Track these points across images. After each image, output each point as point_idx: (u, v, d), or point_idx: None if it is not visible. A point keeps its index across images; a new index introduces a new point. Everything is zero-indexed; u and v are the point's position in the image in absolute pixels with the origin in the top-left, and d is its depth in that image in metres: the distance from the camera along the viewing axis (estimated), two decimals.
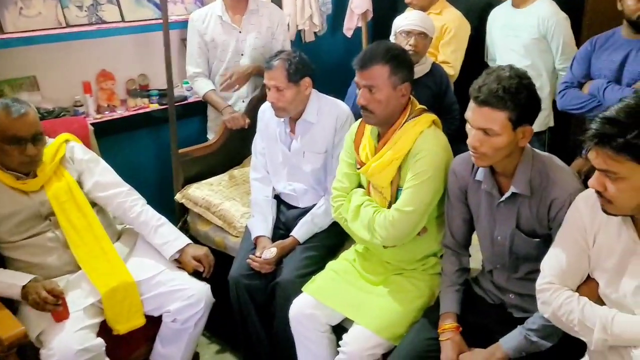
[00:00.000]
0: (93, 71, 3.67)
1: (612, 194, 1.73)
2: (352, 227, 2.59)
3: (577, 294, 1.97)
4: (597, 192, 1.77)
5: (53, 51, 3.43)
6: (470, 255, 2.51)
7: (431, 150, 2.41)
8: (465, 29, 3.82)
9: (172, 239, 2.79)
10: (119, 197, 2.77)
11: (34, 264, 2.57)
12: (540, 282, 2.05)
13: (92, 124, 3.22)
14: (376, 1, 4.46)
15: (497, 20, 3.71)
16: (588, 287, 1.99)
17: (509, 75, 2.05)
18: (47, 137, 2.63)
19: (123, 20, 3.63)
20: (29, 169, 2.57)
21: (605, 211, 1.80)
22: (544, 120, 3.61)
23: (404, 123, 2.45)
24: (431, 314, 2.43)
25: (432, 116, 2.52)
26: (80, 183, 2.71)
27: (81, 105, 3.55)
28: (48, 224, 2.62)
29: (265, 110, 3.13)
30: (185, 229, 3.50)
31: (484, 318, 2.36)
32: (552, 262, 2.04)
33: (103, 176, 2.76)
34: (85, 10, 3.48)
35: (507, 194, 2.21)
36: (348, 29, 4.55)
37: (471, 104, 2.10)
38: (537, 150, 2.25)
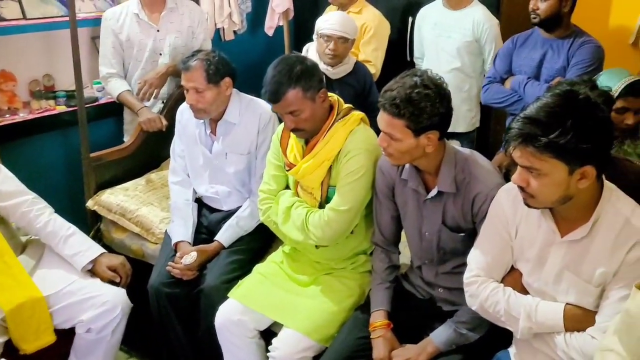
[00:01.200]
0: None
1: (535, 189, 1.91)
2: (283, 230, 2.70)
3: (502, 285, 2.17)
4: (520, 187, 1.95)
5: None
6: (399, 252, 2.69)
7: (362, 148, 2.55)
8: (385, 27, 4.04)
9: (84, 249, 2.77)
10: (23, 206, 2.72)
11: None
12: (467, 276, 2.24)
13: None
14: (299, 2, 4.62)
15: (428, 19, 3.93)
16: (512, 277, 2.20)
17: (415, 83, 2.20)
18: None
19: (25, 18, 3.60)
20: None
21: (527, 205, 1.99)
22: (471, 120, 3.90)
23: (332, 124, 2.58)
24: (362, 312, 2.59)
25: (360, 114, 2.66)
26: None
27: None
28: None
29: (184, 111, 3.18)
30: (98, 237, 3.49)
31: (414, 314, 2.55)
32: (478, 255, 2.23)
33: (4, 185, 2.72)
34: None
35: (433, 192, 2.39)
36: (269, 27, 4.68)
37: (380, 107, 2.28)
38: (459, 148, 2.45)
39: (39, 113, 3.72)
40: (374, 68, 3.92)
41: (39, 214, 2.74)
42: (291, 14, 4.70)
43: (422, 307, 2.57)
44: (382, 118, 2.27)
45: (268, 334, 2.72)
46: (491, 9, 3.80)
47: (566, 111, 1.83)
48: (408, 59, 4.16)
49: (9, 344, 2.50)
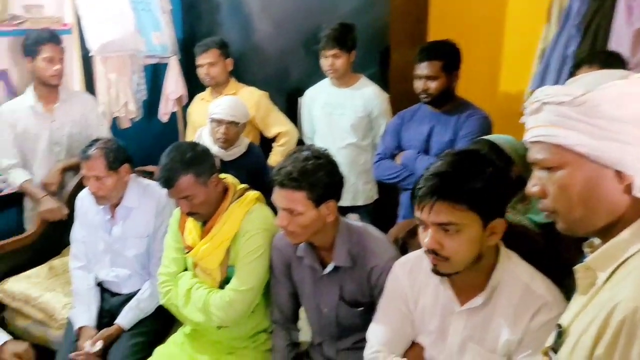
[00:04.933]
0: None
1: (450, 250, 1.44)
2: (184, 312, 2.12)
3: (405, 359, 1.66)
4: (433, 252, 1.46)
5: None
6: (299, 330, 2.12)
7: (260, 227, 2.06)
8: (266, 95, 3.44)
9: None
10: None
11: None
12: (368, 352, 1.72)
13: None
14: (189, 86, 4.03)
15: (318, 100, 3.28)
16: (414, 351, 1.68)
17: (306, 156, 1.77)
18: None
19: None
20: None
21: (437, 272, 1.51)
22: (369, 193, 3.25)
23: (228, 205, 2.09)
24: None
25: (256, 194, 2.17)
26: None
27: None
28: None
29: (84, 198, 2.58)
30: (2, 325, 2.75)
31: None
32: (378, 330, 1.73)
33: None
34: None
35: (329, 268, 1.88)
36: (164, 114, 4.07)
37: (275, 187, 1.79)
38: (351, 222, 1.95)
39: None
40: (293, 131, 3.39)
41: None
42: (185, 101, 4.08)
43: None
44: (280, 195, 1.77)
45: None
46: (379, 84, 3.22)
47: (474, 164, 1.44)
48: (300, 138, 3.51)
49: None
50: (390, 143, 2.77)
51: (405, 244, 2.02)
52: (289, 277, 2.01)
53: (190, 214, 2.08)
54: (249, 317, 2.11)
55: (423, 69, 2.55)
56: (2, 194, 3.14)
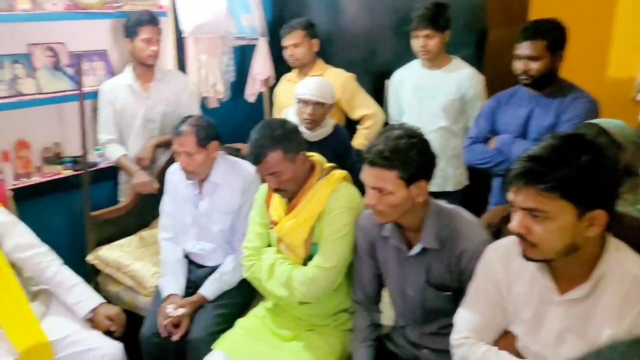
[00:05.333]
0: (11, 140, 3.13)
1: (538, 236, 1.37)
2: (267, 286, 2.14)
3: (495, 347, 1.59)
4: (520, 235, 1.41)
5: None
6: (381, 312, 2.08)
7: (345, 206, 2.03)
8: (353, 77, 3.39)
9: (85, 298, 2.36)
10: (37, 257, 2.36)
11: None
12: (455, 337, 1.66)
13: (11, 190, 2.77)
14: (277, 67, 4.05)
15: (407, 82, 3.17)
16: (506, 340, 1.61)
17: (398, 134, 1.73)
18: None
19: (40, 92, 3.12)
20: None
21: (526, 257, 1.44)
22: (459, 178, 3.15)
23: (314, 184, 2.08)
24: None
25: (343, 172, 2.14)
26: (0, 244, 2.31)
27: (0, 173, 3.03)
28: None
29: (174, 172, 2.65)
30: (96, 290, 2.89)
31: None
32: (466, 316, 1.66)
33: (22, 238, 2.37)
34: (6, 84, 3.00)
35: (416, 249, 1.82)
36: (251, 94, 4.12)
37: (364, 165, 1.76)
38: (443, 204, 1.88)
39: (49, 177, 3.21)
40: (379, 114, 3.34)
41: (50, 265, 2.37)
42: (272, 82, 4.11)
43: None
44: (370, 173, 1.73)
45: None
46: (474, 66, 3.07)
47: (573, 150, 1.34)
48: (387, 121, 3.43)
49: None
50: (484, 126, 2.65)
51: (498, 231, 1.93)
52: (373, 257, 1.98)
53: (277, 190, 2.09)
54: (330, 296, 2.10)
55: (525, 48, 2.41)
56: (99, 167, 3.31)
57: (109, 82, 3.19)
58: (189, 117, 2.54)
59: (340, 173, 2.13)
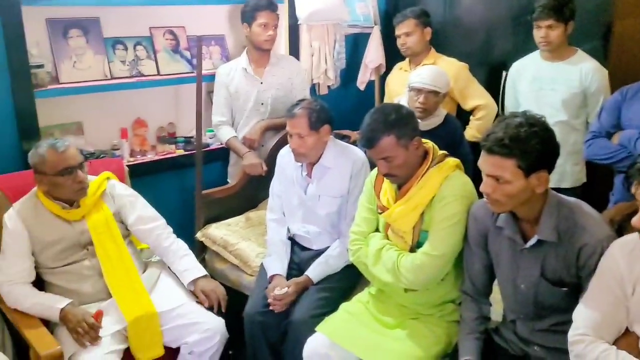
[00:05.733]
0: (130, 119, 3.33)
1: None
2: (373, 271, 2.13)
3: (614, 347, 1.52)
4: None
5: (98, 100, 3.14)
6: (490, 304, 2.02)
7: (458, 194, 1.99)
8: (465, 67, 3.32)
9: (191, 267, 2.51)
10: (158, 229, 2.53)
11: (70, 290, 2.34)
12: (572, 334, 1.60)
13: (127, 166, 2.93)
14: (389, 56, 4.03)
15: (525, 73, 3.07)
16: (626, 341, 1.54)
17: (519, 122, 1.66)
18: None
19: (159, 74, 3.30)
20: (81, 196, 2.36)
21: None
22: (577, 175, 3.01)
23: (427, 169, 2.04)
24: None
25: (456, 161, 2.09)
26: (120, 217, 2.50)
27: (118, 149, 3.22)
28: (86, 252, 2.37)
29: (284, 155, 2.70)
30: (203, 266, 3.01)
31: None
32: (586, 312, 1.59)
33: (144, 211, 2.54)
34: (128, 65, 3.20)
35: (531, 241, 1.75)
36: (361, 82, 4.13)
37: (482, 152, 1.70)
38: (563, 196, 1.79)
39: (162, 155, 3.39)
40: (492, 105, 3.25)
41: (168, 236, 2.55)
42: (383, 70, 4.10)
43: None
44: (488, 161, 1.68)
45: None
46: (598, 59, 2.92)
47: None
48: (499, 113, 3.34)
49: (126, 353, 2.27)
50: (607, 121, 2.49)
51: (620, 228, 1.82)
52: (484, 248, 1.92)
53: (387, 175, 2.07)
54: (437, 285, 2.06)
55: None
56: (210, 148, 3.45)
57: (226, 66, 3.30)
58: (304, 100, 2.58)
59: (453, 161, 2.08)
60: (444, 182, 2.01)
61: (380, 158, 2.03)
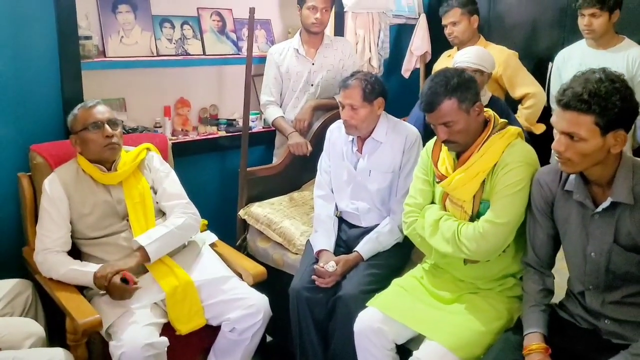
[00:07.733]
0: (173, 98, 3.34)
1: None
2: (431, 242, 2.07)
3: None
4: None
5: (142, 77, 3.17)
6: (553, 277, 1.94)
7: (522, 161, 1.93)
8: (515, 55, 3.28)
9: (145, 237, 2.30)
10: (178, 207, 2.45)
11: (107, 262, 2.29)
12: None
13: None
14: (434, 43, 4.02)
15: (571, 61, 3.07)
16: None
17: (599, 78, 1.60)
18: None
19: (204, 54, 3.32)
20: (112, 154, 2.36)
21: None
22: None
23: (488, 136, 1.99)
24: (513, 334, 1.86)
25: (517, 129, 2.03)
26: (154, 190, 2.48)
27: (160, 127, 3.23)
28: (125, 224, 2.37)
29: (334, 130, 2.67)
30: (244, 247, 3.01)
31: (575, 343, 1.77)
32: None
33: (171, 187, 2.50)
34: (174, 43, 3.22)
35: (604, 204, 1.68)
36: (406, 70, 4.13)
37: (556, 108, 1.65)
38: (636, 158, 1.71)
39: (204, 136, 3.39)
40: (541, 94, 3.20)
41: (180, 216, 2.42)
42: (429, 57, 4.09)
43: (585, 337, 1.77)
44: (564, 117, 1.61)
45: (403, 353, 2.04)
46: None
47: None
48: (546, 104, 3.28)
49: (166, 328, 2.23)
50: None
51: None
52: (549, 217, 1.85)
53: (447, 142, 2.02)
54: (498, 257, 1.99)
55: None
56: (252, 131, 3.41)
57: (278, 46, 3.31)
58: (359, 71, 2.55)
59: (515, 129, 2.03)
60: (506, 149, 1.96)
61: (440, 123, 1.99)
